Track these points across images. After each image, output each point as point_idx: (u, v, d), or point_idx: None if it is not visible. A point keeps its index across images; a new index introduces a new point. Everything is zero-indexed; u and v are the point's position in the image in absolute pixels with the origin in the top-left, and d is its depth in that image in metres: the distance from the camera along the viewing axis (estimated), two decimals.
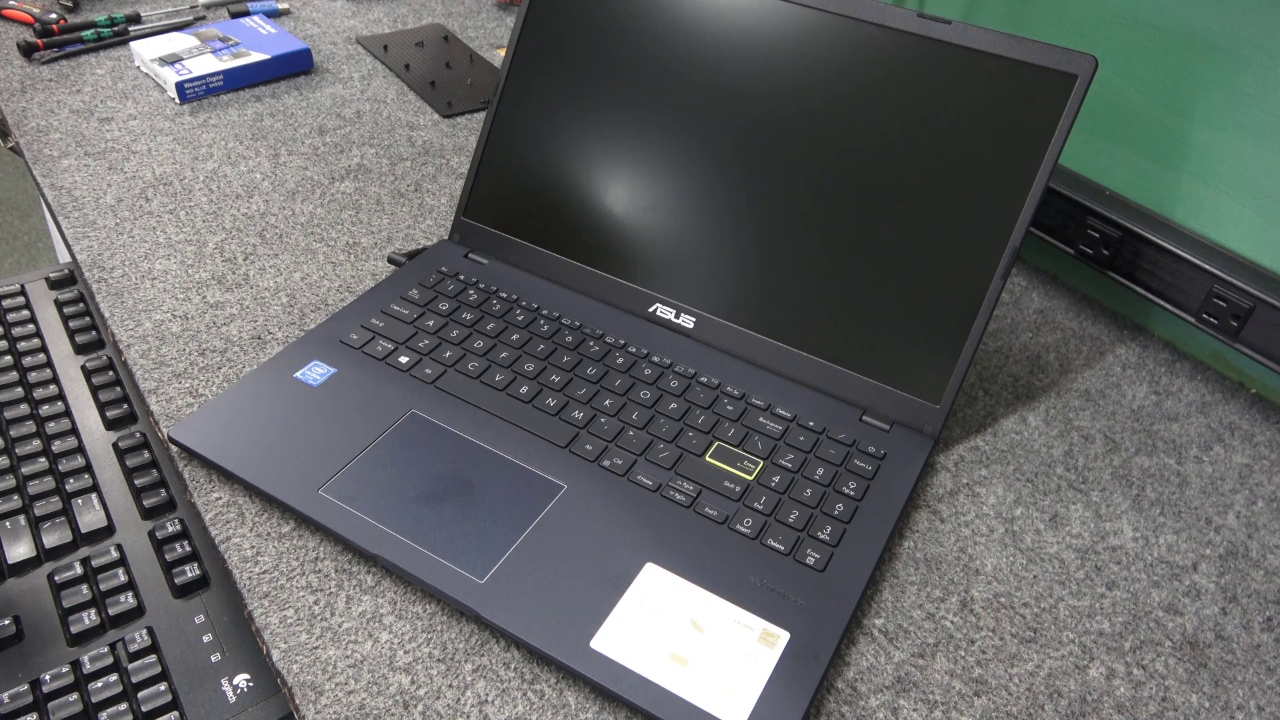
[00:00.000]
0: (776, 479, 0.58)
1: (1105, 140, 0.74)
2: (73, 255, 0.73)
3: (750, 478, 0.58)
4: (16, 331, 0.71)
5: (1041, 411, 0.68)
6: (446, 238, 0.76)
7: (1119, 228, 0.71)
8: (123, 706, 0.50)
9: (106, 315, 0.68)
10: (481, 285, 0.71)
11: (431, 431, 0.59)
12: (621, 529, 0.54)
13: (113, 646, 0.53)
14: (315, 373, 0.62)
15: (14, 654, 0.53)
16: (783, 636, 0.50)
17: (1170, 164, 0.71)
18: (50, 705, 0.50)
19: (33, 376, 0.68)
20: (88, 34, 0.97)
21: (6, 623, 0.53)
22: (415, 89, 0.97)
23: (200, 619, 0.55)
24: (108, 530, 0.59)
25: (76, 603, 0.55)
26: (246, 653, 0.54)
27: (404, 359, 0.64)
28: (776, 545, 0.54)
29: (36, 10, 1.00)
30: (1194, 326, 0.69)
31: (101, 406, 0.66)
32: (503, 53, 1.06)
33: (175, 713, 0.51)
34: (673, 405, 0.62)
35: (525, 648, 0.49)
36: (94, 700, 0.51)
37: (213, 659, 0.53)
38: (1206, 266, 0.67)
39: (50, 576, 0.56)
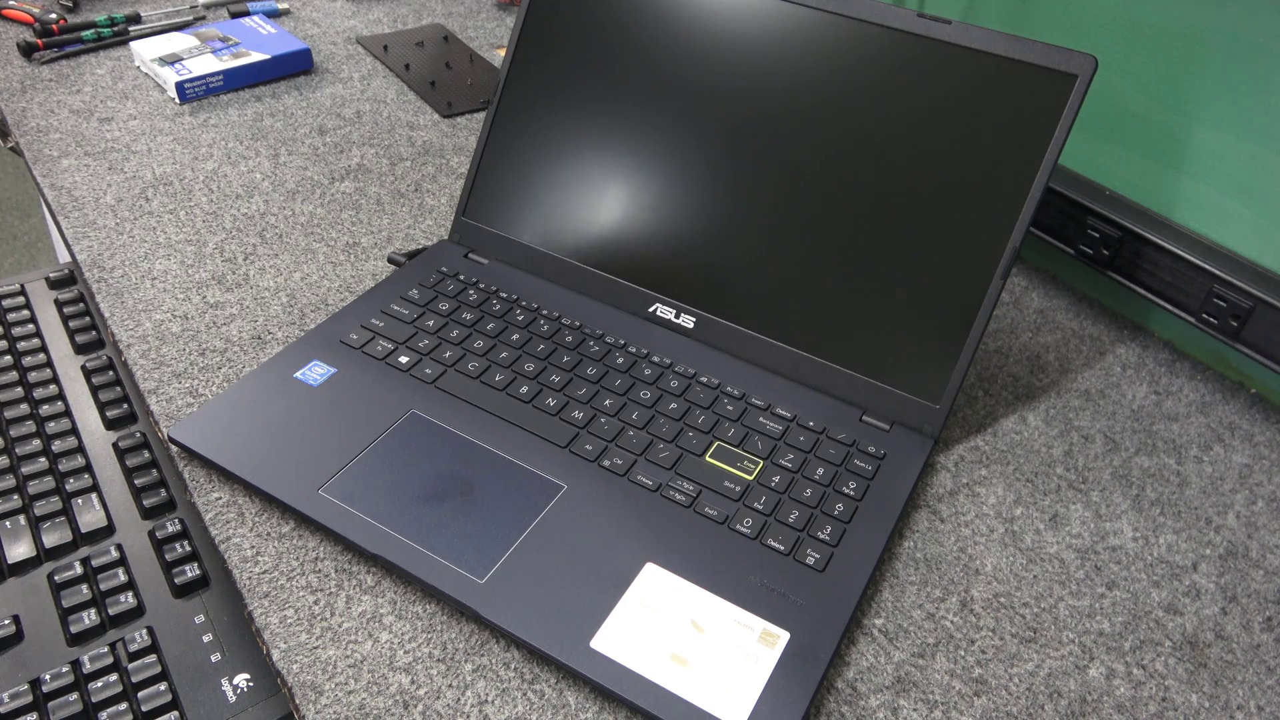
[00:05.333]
0: (776, 479, 0.58)
1: (1105, 140, 0.74)
2: (73, 255, 0.73)
3: (750, 478, 0.58)
4: (16, 331, 0.71)
5: (1041, 411, 0.68)
6: (446, 238, 0.76)
7: (1119, 228, 0.71)
8: (123, 706, 0.50)
9: (106, 315, 0.68)
10: (481, 285, 0.71)
11: (431, 431, 0.59)
12: (621, 529, 0.54)
13: (113, 646, 0.53)
14: (315, 373, 0.62)
15: (14, 654, 0.53)
16: (783, 636, 0.50)
17: (1170, 164, 0.71)
18: (50, 705, 0.50)
19: (33, 376, 0.68)
20: (88, 34, 0.97)
21: (6, 623, 0.53)
22: (415, 89, 0.97)
23: (200, 619, 0.55)
24: (108, 530, 0.59)
25: (76, 602, 0.55)
26: (246, 653, 0.54)
27: (404, 359, 0.64)
28: (776, 545, 0.54)
29: (36, 10, 1.00)
30: (1194, 326, 0.69)
31: (101, 406, 0.66)
32: (503, 53, 1.06)
33: (175, 713, 0.51)
34: (673, 405, 0.62)
35: (525, 648, 0.49)
36: (94, 700, 0.51)
37: (213, 659, 0.53)
38: (1206, 266, 0.67)
39: (50, 576, 0.56)
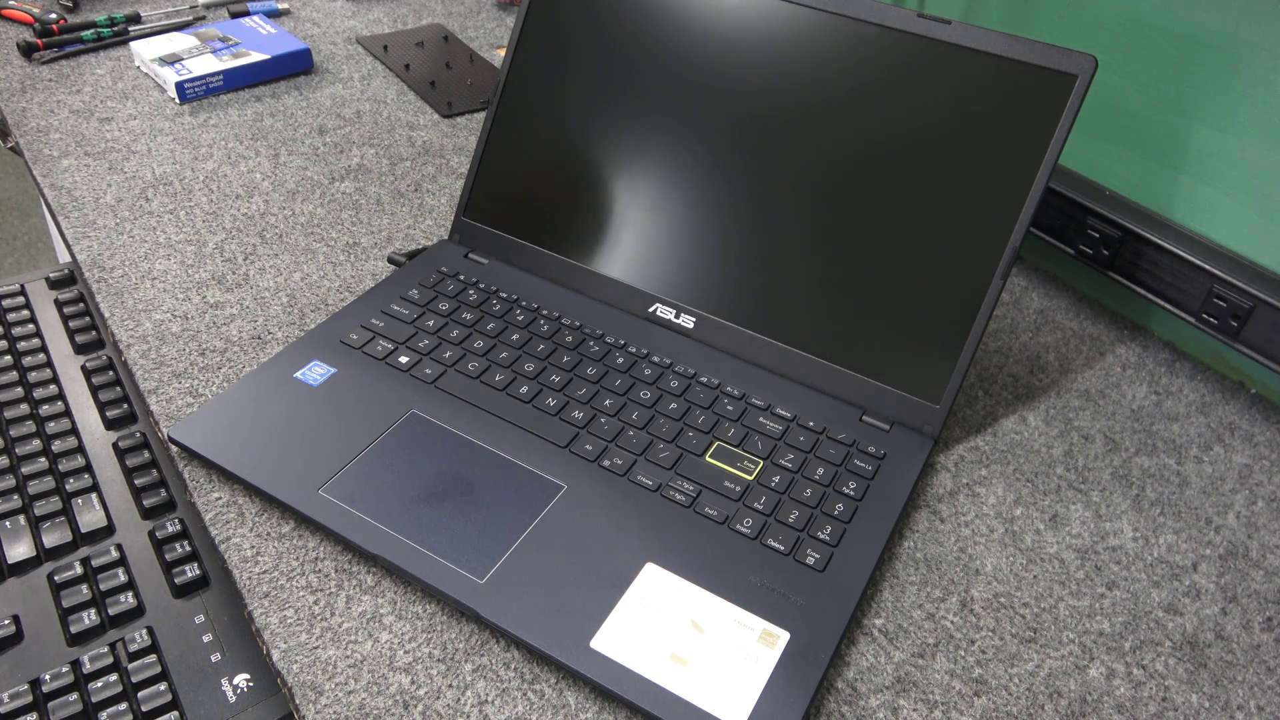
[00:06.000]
0: (776, 479, 0.58)
1: (1105, 140, 0.74)
2: (73, 255, 0.73)
3: (750, 478, 0.58)
4: (16, 331, 0.71)
5: (1041, 411, 0.68)
6: (446, 238, 0.76)
7: (1119, 228, 0.71)
8: (123, 706, 0.50)
9: (106, 315, 0.68)
10: (481, 285, 0.71)
11: (431, 431, 0.59)
12: (621, 529, 0.54)
13: (113, 646, 0.53)
14: (315, 373, 0.62)
15: (14, 654, 0.53)
16: (783, 636, 0.50)
17: (1170, 164, 0.71)
18: (50, 705, 0.50)
19: (33, 376, 0.68)
20: (88, 34, 0.97)
21: (6, 623, 0.53)
22: (415, 89, 0.97)
23: (200, 619, 0.55)
24: (108, 530, 0.59)
25: (76, 603, 0.55)
26: (246, 653, 0.54)
27: (404, 359, 0.64)
28: (776, 545, 0.54)
29: (36, 10, 1.00)
30: (1194, 326, 0.69)
31: (101, 406, 0.66)
32: (503, 53, 1.06)
33: (175, 713, 0.51)
34: (673, 405, 0.62)
35: (525, 648, 0.49)
36: (94, 700, 0.51)
37: (213, 659, 0.53)
38: (1206, 266, 0.67)
39: (50, 576, 0.56)
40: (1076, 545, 0.59)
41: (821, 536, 0.55)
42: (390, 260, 0.74)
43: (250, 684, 0.53)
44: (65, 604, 0.55)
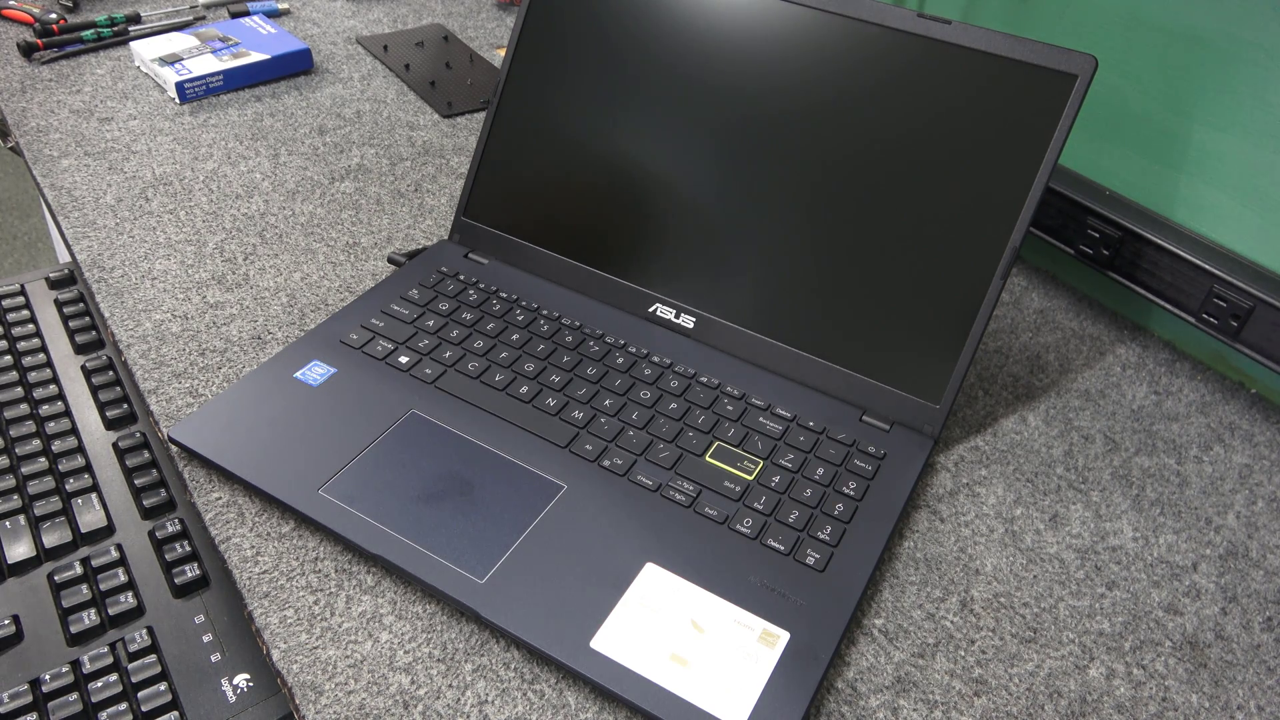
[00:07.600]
0: (776, 479, 0.58)
1: (1105, 140, 0.74)
2: (73, 255, 0.73)
3: (750, 478, 0.58)
4: (16, 331, 0.71)
5: (1041, 411, 0.68)
6: (446, 238, 0.76)
7: (1119, 228, 0.71)
8: (123, 706, 0.50)
9: (106, 315, 0.68)
10: (481, 285, 0.71)
11: (431, 431, 0.59)
12: (621, 529, 0.54)
13: (113, 646, 0.53)
14: (315, 373, 0.62)
15: (14, 654, 0.53)
16: (783, 636, 0.50)
17: (1170, 164, 0.71)
18: (50, 705, 0.50)
19: (33, 376, 0.68)
20: (88, 34, 0.97)
21: (6, 623, 0.53)
22: (415, 89, 0.97)
23: (200, 619, 0.55)
24: (108, 530, 0.59)
25: (76, 603, 0.55)
26: (246, 653, 0.54)
27: (404, 359, 0.64)
28: (776, 545, 0.54)
29: (36, 10, 1.00)
30: (1194, 326, 0.69)
31: (101, 406, 0.66)
32: (503, 53, 1.06)
33: (175, 713, 0.51)
34: (673, 405, 0.62)
35: (525, 648, 0.49)
36: (94, 700, 0.51)
37: (213, 659, 0.53)
38: (1206, 266, 0.67)
39: (50, 576, 0.56)
40: (1076, 545, 0.59)
41: (821, 536, 0.55)
42: (390, 260, 0.74)
43: (250, 684, 0.53)
44: (65, 604, 0.55)
